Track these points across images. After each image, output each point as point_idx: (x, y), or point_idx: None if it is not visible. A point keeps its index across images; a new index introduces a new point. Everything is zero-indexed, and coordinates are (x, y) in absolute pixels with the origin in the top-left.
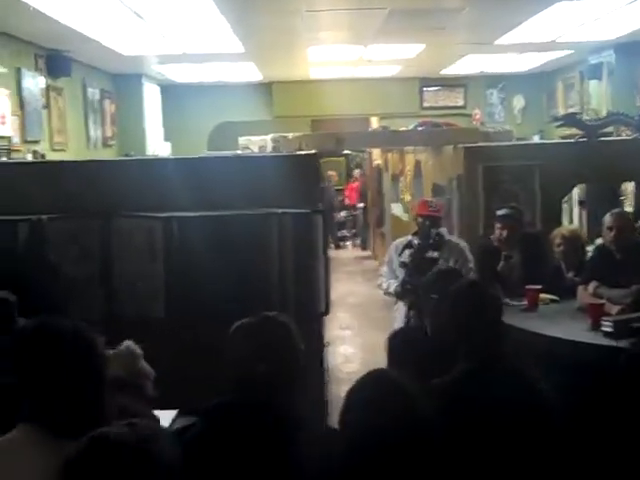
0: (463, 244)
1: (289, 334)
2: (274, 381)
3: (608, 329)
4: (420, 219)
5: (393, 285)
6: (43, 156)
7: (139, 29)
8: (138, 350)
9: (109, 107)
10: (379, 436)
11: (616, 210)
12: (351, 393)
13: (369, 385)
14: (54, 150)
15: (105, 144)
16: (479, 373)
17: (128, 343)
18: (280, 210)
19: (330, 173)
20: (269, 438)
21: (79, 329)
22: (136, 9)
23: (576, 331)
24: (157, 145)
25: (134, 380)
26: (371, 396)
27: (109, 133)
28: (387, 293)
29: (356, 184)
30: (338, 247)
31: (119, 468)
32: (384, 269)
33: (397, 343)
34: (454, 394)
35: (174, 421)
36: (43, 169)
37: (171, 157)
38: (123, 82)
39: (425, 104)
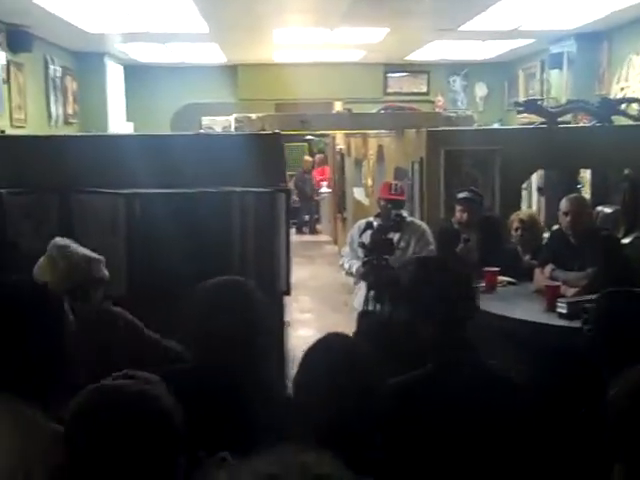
0: (424, 226)
1: (248, 293)
2: (231, 341)
3: (563, 310)
4: (382, 202)
5: (355, 265)
6: (2, 132)
7: (103, 6)
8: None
9: (71, 85)
10: (325, 398)
11: (572, 195)
12: (304, 356)
13: (321, 348)
14: (14, 126)
15: (66, 122)
16: (446, 369)
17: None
18: (242, 188)
19: (307, 158)
20: (224, 402)
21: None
22: None
23: (532, 312)
24: (119, 125)
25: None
26: (322, 358)
27: (70, 111)
28: (348, 273)
29: (319, 169)
30: (301, 232)
31: (127, 417)
32: (346, 250)
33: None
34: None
35: None
36: (1, 144)
37: (134, 134)
38: (86, 60)
39: (389, 90)
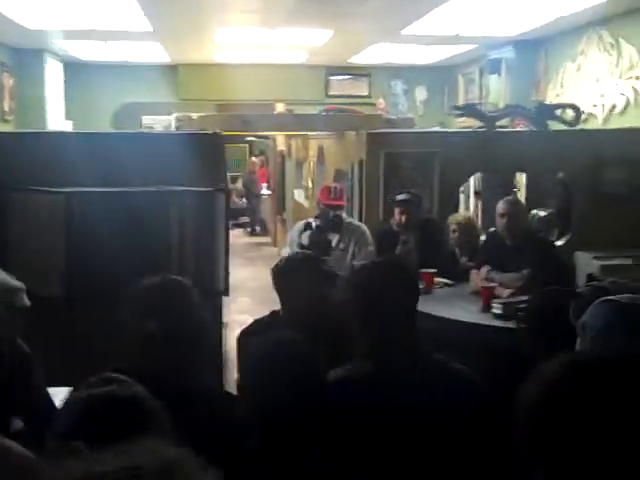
0: (363, 227)
1: (182, 290)
2: (166, 341)
3: (498, 311)
4: (322, 206)
5: None
6: None
7: (43, 1)
8: None
9: (7, 81)
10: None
11: (509, 197)
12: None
13: (265, 344)
14: None
15: (2, 119)
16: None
17: None
18: (181, 188)
19: (253, 160)
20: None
21: None
22: None
23: (468, 313)
24: (58, 123)
25: None
26: (265, 355)
27: (7, 108)
28: None
29: (260, 170)
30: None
31: (122, 423)
32: (286, 250)
33: None
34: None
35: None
36: None
37: (74, 132)
38: (24, 56)
39: (331, 92)
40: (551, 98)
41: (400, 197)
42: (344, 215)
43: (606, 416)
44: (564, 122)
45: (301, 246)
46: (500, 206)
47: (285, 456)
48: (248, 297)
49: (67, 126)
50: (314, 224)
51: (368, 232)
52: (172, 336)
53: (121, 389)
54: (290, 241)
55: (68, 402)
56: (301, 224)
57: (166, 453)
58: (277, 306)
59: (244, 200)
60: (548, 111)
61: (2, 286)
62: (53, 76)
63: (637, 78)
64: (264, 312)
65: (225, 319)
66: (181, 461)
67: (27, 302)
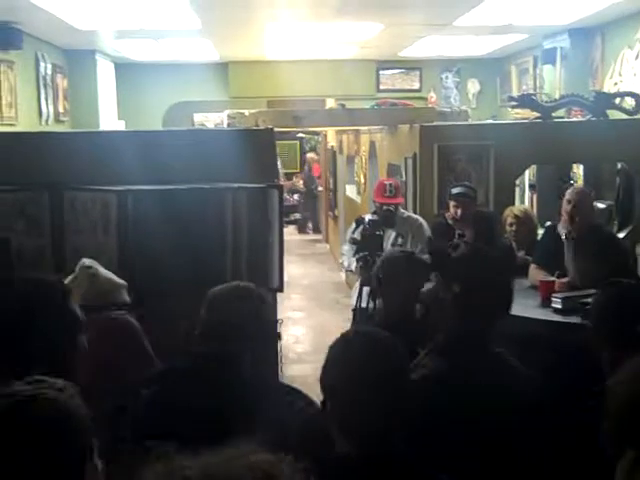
0: (421, 220)
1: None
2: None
3: (558, 305)
4: (378, 205)
5: (353, 263)
6: None
7: (94, 2)
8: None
9: (62, 82)
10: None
11: (579, 186)
12: (331, 349)
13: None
14: (4, 124)
15: (57, 120)
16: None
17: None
18: (235, 184)
19: (310, 156)
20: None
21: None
22: None
23: (528, 308)
24: (111, 123)
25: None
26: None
27: (61, 109)
28: (349, 270)
29: (314, 166)
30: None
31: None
32: (345, 247)
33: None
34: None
35: None
36: None
37: (125, 130)
38: (76, 57)
39: (382, 87)
40: (609, 87)
41: (455, 190)
42: (400, 209)
43: None
44: (624, 111)
45: (353, 241)
46: (569, 193)
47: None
48: (301, 294)
49: (119, 126)
50: (367, 219)
51: (426, 225)
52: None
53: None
54: (349, 237)
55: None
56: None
57: (263, 461)
58: (330, 304)
59: (295, 197)
60: (606, 100)
61: (111, 282)
62: (105, 76)
63: None
64: (317, 309)
65: (280, 316)
66: (280, 467)
67: (127, 298)
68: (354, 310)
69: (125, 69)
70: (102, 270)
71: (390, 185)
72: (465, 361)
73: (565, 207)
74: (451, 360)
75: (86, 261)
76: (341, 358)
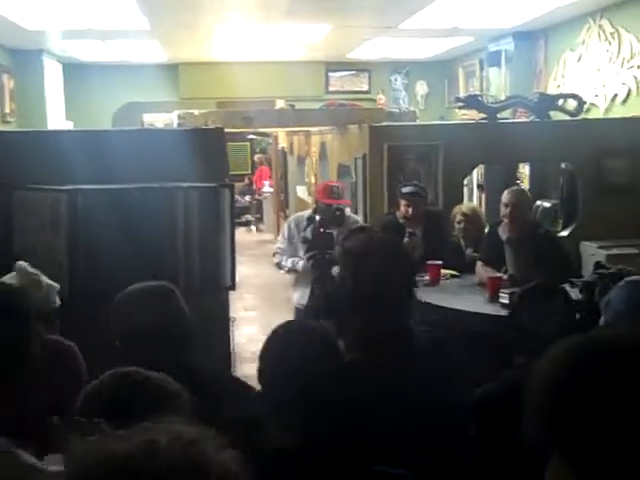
0: (361, 220)
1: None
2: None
3: (505, 300)
4: (323, 206)
5: (300, 262)
6: None
7: (41, 1)
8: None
9: (8, 83)
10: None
11: (514, 187)
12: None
13: (283, 332)
14: None
15: (4, 121)
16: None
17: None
18: (186, 184)
19: (258, 157)
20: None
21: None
22: None
23: (476, 303)
24: (58, 123)
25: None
26: (285, 341)
27: (8, 110)
28: (292, 270)
29: (261, 168)
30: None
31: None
32: (281, 246)
33: None
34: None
35: None
36: None
37: (75, 130)
38: (23, 57)
39: (331, 88)
40: (552, 89)
41: (406, 189)
42: (347, 210)
43: (626, 397)
44: (566, 112)
45: (304, 239)
46: (505, 196)
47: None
48: (253, 294)
49: (68, 127)
50: (317, 218)
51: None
52: (165, 333)
53: (137, 373)
54: (289, 235)
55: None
56: (301, 217)
57: (184, 430)
58: (282, 303)
59: (247, 198)
60: (550, 101)
61: (50, 287)
62: (52, 77)
63: (638, 67)
64: (268, 309)
65: (232, 315)
66: (200, 439)
67: (58, 301)
68: (298, 308)
69: (73, 70)
70: (43, 277)
71: (337, 187)
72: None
73: (503, 211)
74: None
75: (23, 264)
76: (269, 348)
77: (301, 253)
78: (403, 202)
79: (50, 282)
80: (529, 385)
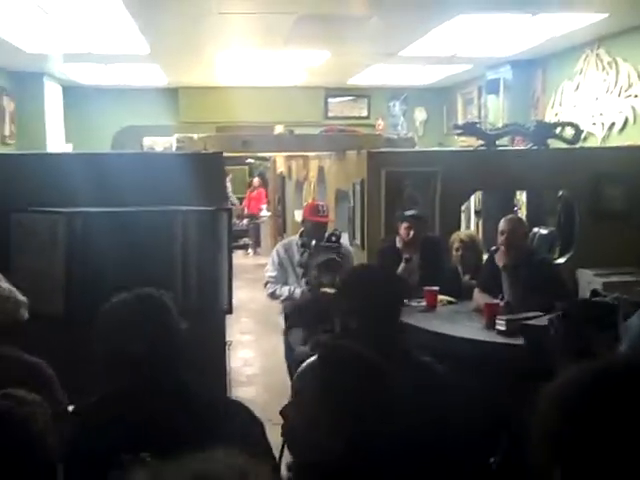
0: (350, 249)
1: (163, 309)
2: (153, 360)
3: (502, 327)
4: (309, 223)
5: (298, 289)
6: None
7: (42, 25)
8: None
9: (8, 105)
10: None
11: (510, 215)
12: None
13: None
14: None
15: (4, 142)
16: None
17: None
18: (184, 207)
19: (255, 181)
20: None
21: None
22: (40, 3)
23: (472, 330)
24: (58, 146)
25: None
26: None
27: (7, 132)
28: (289, 298)
29: (256, 192)
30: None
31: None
32: (272, 274)
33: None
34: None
35: None
36: None
37: (75, 152)
38: (23, 80)
39: (330, 114)
40: (550, 117)
41: (409, 213)
42: (344, 237)
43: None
44: (564, 140)
45: (300, 264)
46: (501, 223)
47: None
48: (249, 318)
49: (67, 149)
50: (313, 243)
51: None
52: (156, 355)
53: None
54: (280, 262)
55: None
56: (292, 243)
57: (239, 461)
58: (278, 328)
59: (244, 222)
60: (547, 129)
61: (10, 299)
62: (53, 99)
63: (635, 96)
64: (264, 333)
65: (229, 338)
66: (253, 469)
67: (26, 316)
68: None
69: (73, 92)
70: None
71: (322, 206)
72: None
73: (500, 238)
74: None
75: None
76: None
77: (293, 279)
78: (404, 225)
79: (20, 297)
80: (538, 407)
